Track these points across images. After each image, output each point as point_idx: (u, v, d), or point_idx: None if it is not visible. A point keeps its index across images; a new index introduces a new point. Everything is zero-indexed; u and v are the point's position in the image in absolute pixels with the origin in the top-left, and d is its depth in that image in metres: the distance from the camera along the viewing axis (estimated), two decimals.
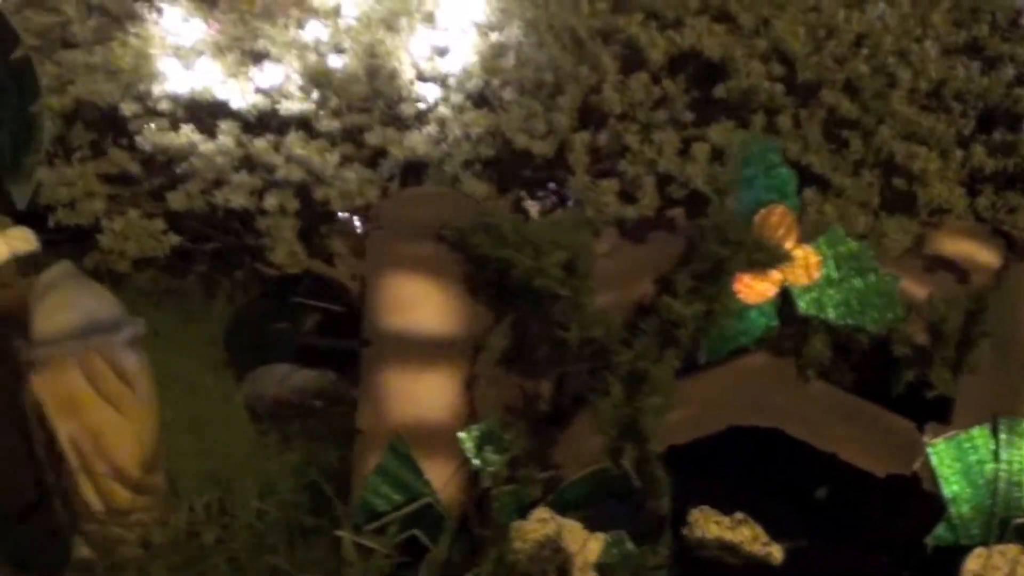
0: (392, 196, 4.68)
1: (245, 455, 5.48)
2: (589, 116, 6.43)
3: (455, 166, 6.33)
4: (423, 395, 4.22)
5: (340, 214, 7.01)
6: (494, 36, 6.54)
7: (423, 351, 4.20)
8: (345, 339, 7.56)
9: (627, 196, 6.33)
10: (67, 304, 4.21)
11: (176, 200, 6.79)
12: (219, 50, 6.65)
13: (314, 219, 7.16)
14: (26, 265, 4.31)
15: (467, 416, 4.21)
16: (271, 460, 5.31)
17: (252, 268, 7.45)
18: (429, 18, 6.61)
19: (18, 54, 5.65)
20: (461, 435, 4.21)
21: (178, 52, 6.72)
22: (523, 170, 6.69)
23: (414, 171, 6.70)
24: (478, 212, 4.43)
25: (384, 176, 6.66)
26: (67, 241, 7.39)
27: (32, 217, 7.47)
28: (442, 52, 6.49)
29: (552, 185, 7.02)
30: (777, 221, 4.59)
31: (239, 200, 6.65)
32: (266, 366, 6.28)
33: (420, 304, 4.19)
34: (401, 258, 4.20)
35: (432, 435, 4.18)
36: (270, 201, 6.67)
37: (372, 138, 6.36)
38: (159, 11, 6.84)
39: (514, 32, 6.51)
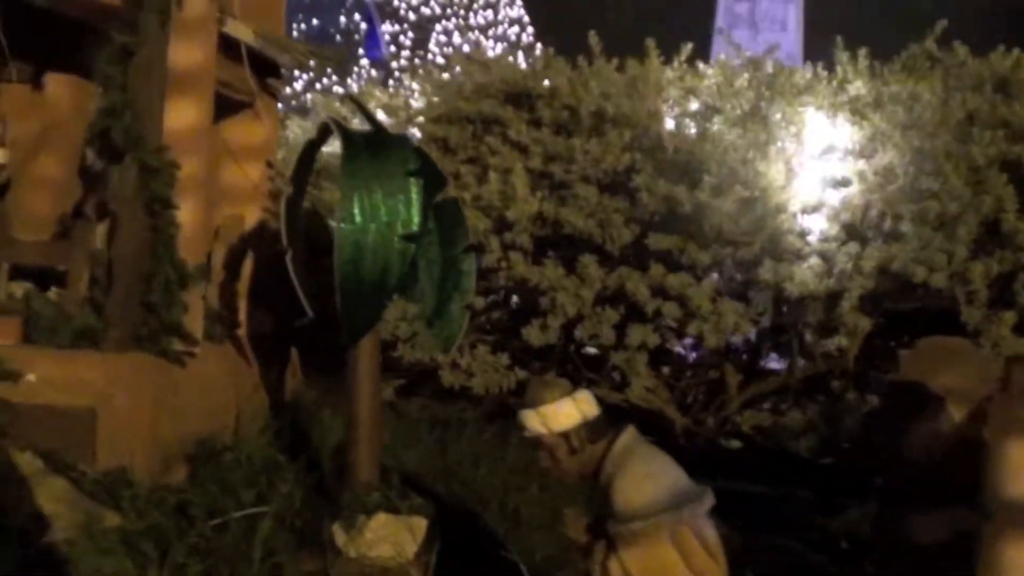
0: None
1: None
2: (983, 246, 6.20)
3: (852, 300, 6.08)
4: None
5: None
6: (870, 164, 6.37)
7: None
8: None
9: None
10: (651, 474, 3.92)
11: (533, 335, 6.56)
12: (586, 181, 6.47)
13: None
14: (593, 430, 4.04)
15: None
16: None
17: None
18: (799, 140, 6.46)
19: (443, 196, 5.51)
20: None
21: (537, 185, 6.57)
22: (903, 301, 6.44)
23: (786, 305, 6.48)
24: None
25: (756, 310, 6.43)
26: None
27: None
28: (833, 183, 6.30)
29: None
30: None
31: (605, 335, 6.43)
32: None
33: None
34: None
35: None
36: (634, 336, 6.45)
37: (765, 273, 6.12)
38: (516, 145, 6.69)
39: (891, 159, 6.34)
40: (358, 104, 5.52)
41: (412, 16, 17.24)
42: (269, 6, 7.01)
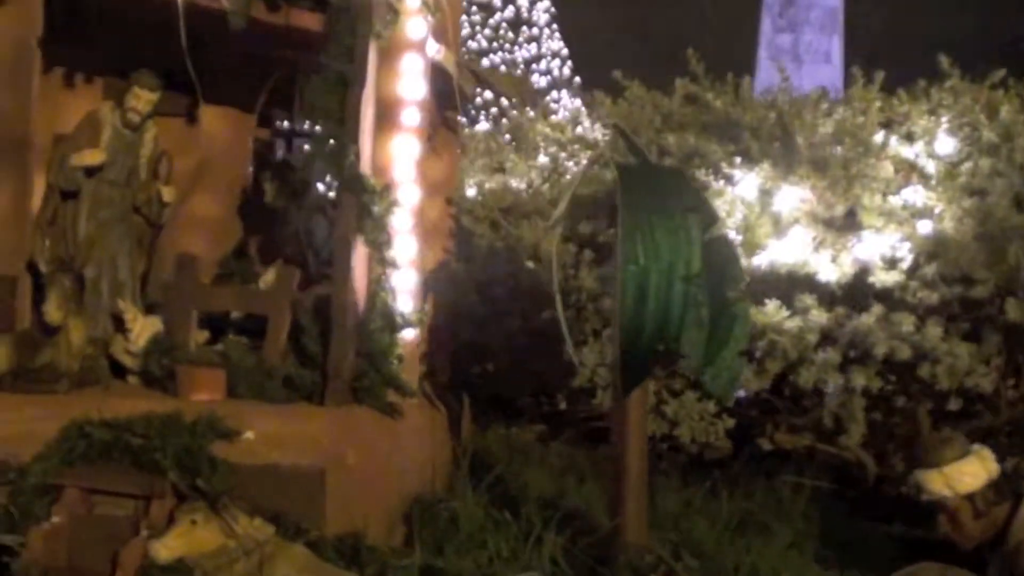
0: None
1: None
2: None
3: None
4: None
5: None
6: None
7: None
8: None
9: None
10: None
11: (750, 380, 6.22)
12: (812, 220, 6.16)
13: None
14: (998, 490, 3.74)
15: None
16: None
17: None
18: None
19: (714, 234, 5.15)
20: None
21: (756, 224, 6.24)
22: None
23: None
24: None
25: (990, 351, 6.14)
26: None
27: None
28: None
29: None
30: None
31: (833, 380, 6.10)
32: (917, 566, 5.61)
33: None
34: None
35: None
36: (858, 380, 6.13)
37: (1011, 312, 5.83)
38: (728, 179, 6.36)
39: None
40: (624, 134, 5.15)
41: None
42: (450, 34, 6.65)
